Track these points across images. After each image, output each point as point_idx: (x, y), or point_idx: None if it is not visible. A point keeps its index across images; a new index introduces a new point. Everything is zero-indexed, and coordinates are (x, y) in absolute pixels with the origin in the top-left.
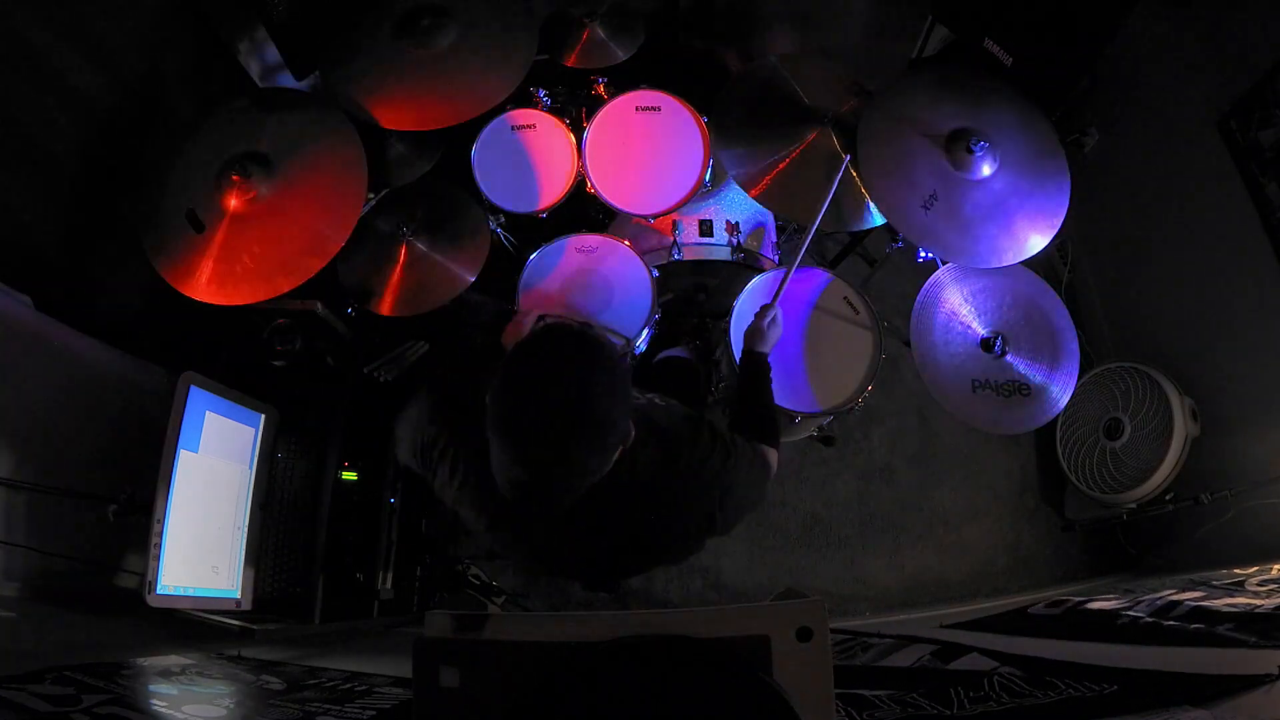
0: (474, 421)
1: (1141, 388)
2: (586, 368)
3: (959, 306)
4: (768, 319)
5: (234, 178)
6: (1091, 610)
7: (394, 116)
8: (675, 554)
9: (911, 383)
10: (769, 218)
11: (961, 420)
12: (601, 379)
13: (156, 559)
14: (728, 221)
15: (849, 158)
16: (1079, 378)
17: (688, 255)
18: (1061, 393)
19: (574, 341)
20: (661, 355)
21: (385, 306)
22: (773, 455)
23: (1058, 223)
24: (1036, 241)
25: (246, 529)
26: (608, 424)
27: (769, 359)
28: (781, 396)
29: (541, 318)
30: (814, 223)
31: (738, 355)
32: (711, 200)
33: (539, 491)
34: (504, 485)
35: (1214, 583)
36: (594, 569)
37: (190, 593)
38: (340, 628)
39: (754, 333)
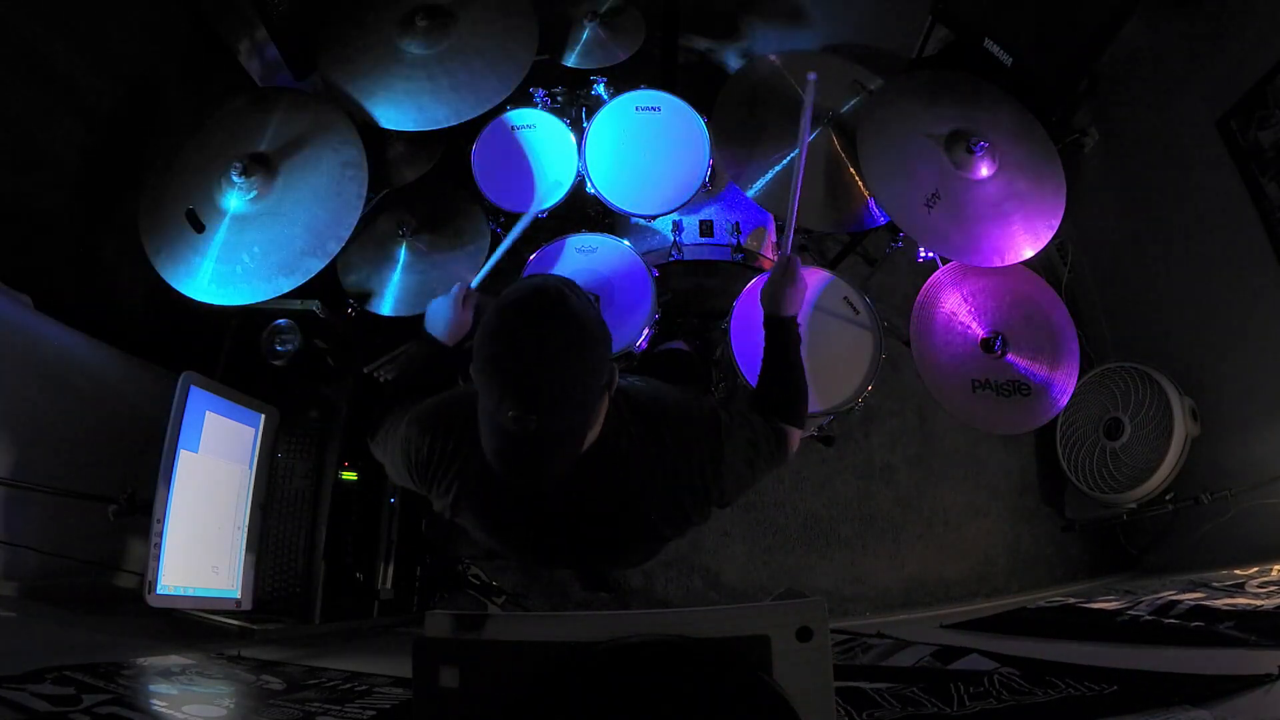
0: (460, 419)
1: (1141, 388)
2: (573, 295)
3: (959, 306)
4: (777, 275)
5: (234, 178)
6: (1091, 610)
7: (394, 116)
8: (673, 532)
9: (911, 383)
10: (769, 218)
11: (961, 420)
12: (587, 309)
13: (156, 559)
14: (728, 221)
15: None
16: (1079, 378)
17: (688, 255)
18: (1061, 393)
19: (556, 279)
20: (661, 348)
21: (385, 306)
22: (794, 434)
23: (1055, 223)
24: (1036, 241)
25: (246, 529)
26: (595, 344)
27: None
28: None
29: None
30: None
31: (737, 352)
32: (711, 200)
33: (528, 439)
34: (492, 446)
35: (1214, 584)
36: (594, 556)
37: (190, 593)
38: (340, 628)
39: (767, 294)
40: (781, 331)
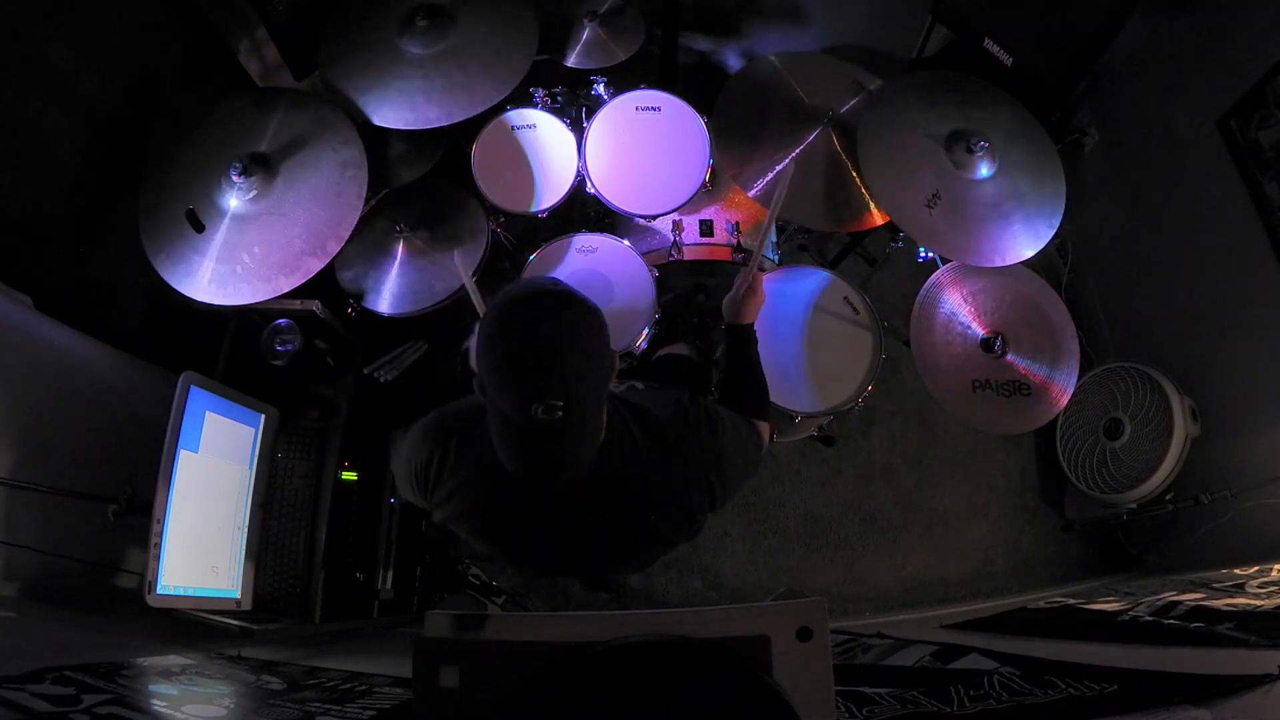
0: (461, 429)
1: (1141, 388)
2: (567, 289)
3: (959, 306)
4: (741, 290)
5: (234, 178)
6: (1091, 610)
7: (394, 116)
8: (678, 535)
9: (911, 383)
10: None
11: (961, 420)
12: (582, 302)
13: (156, 559)
14: (728, 221)
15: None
16: (1079, 378)
17: (688, 255)
18: (1061, 393)
19: (549, 279)
20: (660, 353)
21: (384, 305)
22: (764, 428)
23: (1055, 223)
24: (1036, 241)
25: (246, 529)
26: (603, 327)
27: (756, 332)
28: (782, 396)
29: None
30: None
31: None
32: (711, 200)
33: (554, 431)
34: (512, 449)
35: (1214, 584)
36: (595, 563)
37: (190, 593)
38: (340, 628)
39: (730, 305)
40: (742, 337)
